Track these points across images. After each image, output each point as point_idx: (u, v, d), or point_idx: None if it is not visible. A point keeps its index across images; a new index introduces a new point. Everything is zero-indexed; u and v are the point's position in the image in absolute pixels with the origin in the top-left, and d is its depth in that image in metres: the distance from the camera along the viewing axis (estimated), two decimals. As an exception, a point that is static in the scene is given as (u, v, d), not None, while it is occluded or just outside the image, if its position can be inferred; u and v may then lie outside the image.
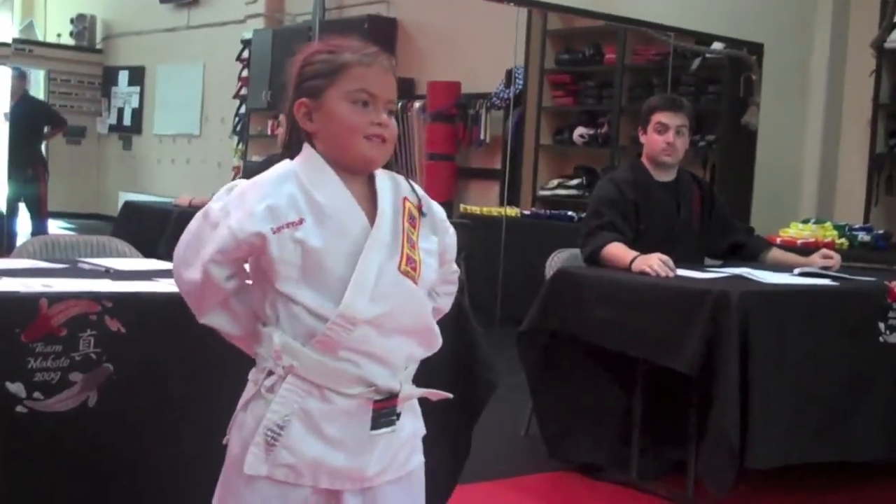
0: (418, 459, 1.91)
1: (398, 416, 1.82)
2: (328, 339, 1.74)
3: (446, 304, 2.01)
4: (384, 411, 1.80)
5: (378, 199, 1.81)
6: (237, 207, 1.76)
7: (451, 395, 1.95)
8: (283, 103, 1.88)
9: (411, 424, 1.88)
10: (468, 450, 2.97)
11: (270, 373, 1.78)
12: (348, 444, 1.78)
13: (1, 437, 2.17)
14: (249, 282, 1.84)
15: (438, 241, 1.89)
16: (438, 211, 1.92)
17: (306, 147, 1.82)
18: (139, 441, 2.33)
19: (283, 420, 1.75)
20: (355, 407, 1.77)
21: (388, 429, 1.80)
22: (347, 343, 1.75)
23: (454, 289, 2.02)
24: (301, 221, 1.74)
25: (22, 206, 8.48)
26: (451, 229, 1.95)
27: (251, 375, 1.84)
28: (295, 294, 1.74)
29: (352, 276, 1.74)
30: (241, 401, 1.83)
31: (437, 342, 1.90)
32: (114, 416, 2.29)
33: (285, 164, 1.82)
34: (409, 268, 1.80)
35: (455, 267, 2.00)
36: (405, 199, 1.85)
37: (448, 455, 2.85)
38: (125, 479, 2.33)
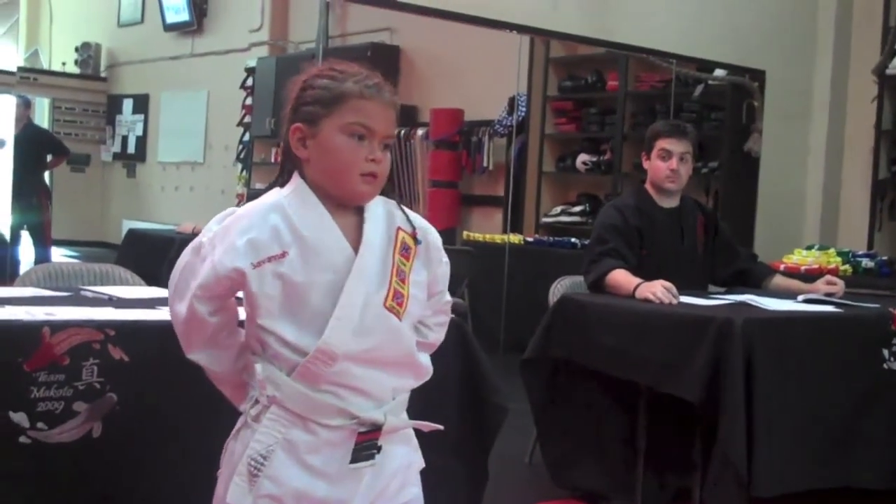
0: (413, 492, 1.88)
1: (378, 449, 1.79)
2: (308, 371, 1.72)
3: (439, 336, 1.97)
4: (365, 444, 1.77)
5: (364, 231, 1.78)
6: (221, 241, 1.75)
7: (441, 427, 1.92)
8: (280, 124, 1.85)
9: (404, 455, 1.86)
10: (486, 477, 2.95)
11: (257, 402, 1.77)
12: (332, 476, 1.75)
13: (4, 468, 2.16)
14: (242, 317, 1.83)
15: (430, 272, 1.86)
16: (434, 239, 1.89)
17: (295, 176, 1.80)
18: (142, 471, 2.31)
19: (266, 450, 1.74)
20: (339, 438, 1.76)
21: (367, 462, 1.78)
22: (328, 377, 1.73)
23: (447, 319, 1.99)
24: (284, 255, 1.72)
25: (25, 234, 8.48)
26: (445, 258, 1.91)
27: (243, 406, 1.83)
28: (275, 328, 1.73)
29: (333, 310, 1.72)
30: (234, 430, 1.83)
31: (425, 372, 1.88)
32: (118, 447, 2.27)
33: (273, 195, 1.80)
34: (395, 303, 1.77)
35: (447, 297, 1.97)
36: (399, 228, 1.82)
37: (466, 483, 2.84)
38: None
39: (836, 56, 7.41)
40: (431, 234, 1.89)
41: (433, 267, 1.88)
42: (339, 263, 1.74)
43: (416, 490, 1.89)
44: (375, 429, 1.78)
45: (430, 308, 1.91)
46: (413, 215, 1.87)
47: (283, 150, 1.85)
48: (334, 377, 1.73)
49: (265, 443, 1.75)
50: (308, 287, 1.72)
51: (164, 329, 2.34)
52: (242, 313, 1.84)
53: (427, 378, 1.90)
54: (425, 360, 1.89)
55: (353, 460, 1.76)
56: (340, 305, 1.72)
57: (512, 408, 3.02)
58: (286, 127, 1.81)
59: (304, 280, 1.72)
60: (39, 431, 2.18)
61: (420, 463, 1.91)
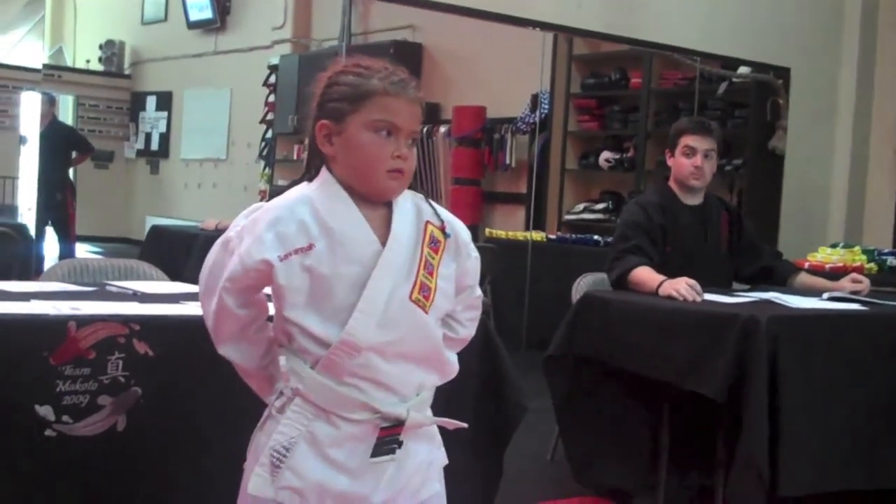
0: (434, 488, 1.88)
1: (400, 444, 1.79)
2: (332, 363, 1.73)
3: (469, 332, 1.97)
4: (386, 439, 1.77)
5: (392, 224, 1.78)
6: (249, 234, 1.76)
7: (465, 425, 1.91)
8: (306, 121, 1.85)
9: (426, 452, 1.86)
10: (500, 474, 2.95)
11: (282, 394, 1.78)
12: (354, 470, 1.76)
13: (30, 461, 2.17)
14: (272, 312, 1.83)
15: (458, 265, 1.86)
16: (463, 234, 1.88)
17: (324, 171, 1.81)
18: (166, 465, 2.33)
19: (289, 442, 1.75)
20: (361, 433, 1.76)
21: (387, 457, 1.78)
22: (351, 369, 1.73)
23: (478, 314, 1.98)
24: (311, 247, 1.72)
25: (50, 230, 8.54)
26: (475, 253, 1.91)
27: (270, 398, 1.84)
28: (300, 320, 1.74)
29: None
30: (260, 422, 1.83)
31: (451, 370, 1.88)
32: (142, 440, 2.28)
33: (300, 189, 1.81)
34: (421, 296, 1.77)
35: (478, 292, 1.96)
36: (428, 222, 1.82)
37: (480, 479, 2.84)
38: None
39: (862, 52, 7.35)
40: (460, 229, 1.88)
41: (462, 260, 1.87)
42: (366, 257, 1.74)
43: (437, 486, 1.89)
44: (398, 424, 1.78)
45: (460, 303, 1.91)
46: (441, 209, 1.87)
47: (309, 147, 1.85)
48: (357, 370, 1.74)
49: (288, 435, 1.75)
50: (334, 279, 1.72)
51: (189, 324, 2.37)
52: (272, 308, 1.84)
53: (453, 375, 1.89)
54: (452, 356, 1.88)
55: (374, 454, 1.76)
56: (365, 297, 1.72)
57: (534, 405, 3.02)
58: (312, 123, 1.81)
59: (330, 272, 1.72)
60: (64, 425, 2.19)
61: (443, 460, 1.91)
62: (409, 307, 1.76)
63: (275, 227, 1.73)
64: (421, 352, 1.80)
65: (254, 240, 1.74)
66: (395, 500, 1.81)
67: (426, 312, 1.78)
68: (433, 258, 1.80)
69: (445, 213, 1.87)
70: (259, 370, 1.87)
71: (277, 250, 1.72)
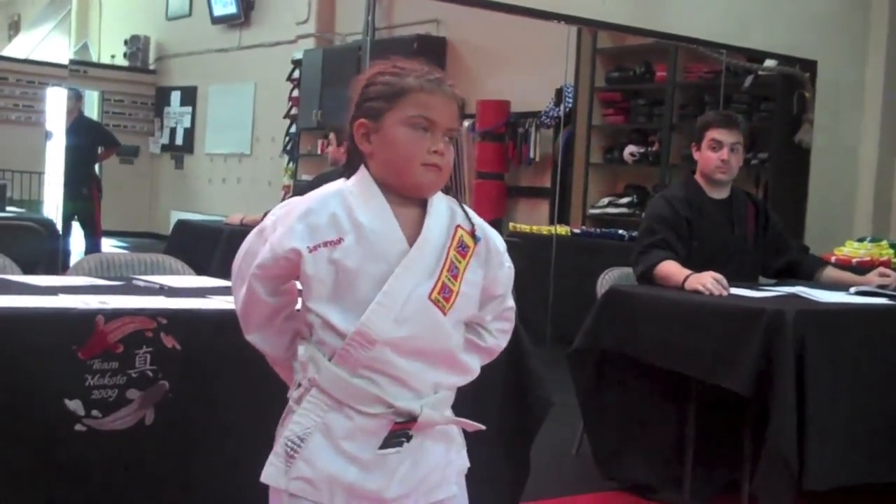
0: (451, 491, 1.87)
1: (409, 438, 1.79)
2: (347, 354, 1.74)
3: (498, 342, 1.96)
4: (397, 433, 1.78)
5: (425, 225, 1.79)
6: (282, 223, 1.78)
7: (483, 427, 1.90)
8: (345, 121, 1.87)
9: (443, 452, 1.85)
10: (528, 469, 2.95)
11: (299, 385, 1.80)
12: (365, 463, 1.76)
13: (61, 456, 2.18)
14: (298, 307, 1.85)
15: (487, 273, 1.86)
16: (496, 242, 1.88)
17: (361, 168, 1.83)
18: (194, 458, 2.34)
19: (304, 432, 1.76)
20: (375, 426, 1.76)
21: (393, 449, 1.78)
22: (366, 361, 1.74)
23: (509, 326, 1.97)
24: (340, 241, 1.74)
25: (76, 225, 8.59)
26: (508, 263, 1.91)
27: (290, 391, 1.86)
28: (324, 312, 1.75)
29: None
30: (282, 416, 1.85)
31: (469, 373, 1.88)
32: (170, 433, 2.29)
33: (336, 184, 1.83)
34: (441, 297, 1.77)
35: (510, 303, 1.95)
36: (458, 226, 1.83)
37: (507, 476, 2.84)
38: (183, 498, 2.33)
39: (890, 44, 7.29)
40: (494, 237, 1.89)
41: (493, 269, 1.87)
42: (392, 255, 1.75)
43: (454, 489, 1.88)
44: (411, 420, 1.78)
45: (489, 312, 1.91)
46: (475, 216, 1.87)
47: (348, 147, 1.88)
48: (371, 363, 1.75)
49: (304, 425, 1.77)
50: (359, 274, 1.74)
51: (216, 317, 2.38)
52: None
53: (472, 378, 1.89)
54: (470, 360, 1.87)
55: (382, 446, 1.77)
56: (384, 292, 1.73)
57: (559, 400, 3.02)
58: (350, 123, 1.84)
59: (356, 267, 1.74)
60: (94, 419, 2.20)
61: (462, 464, 1.91)
62: (427, 306, 1.76)
63: (306, 218, 1.76)
64: (435, 351, 1.80)
65: (286, 229, 1.76)
66: (408, 498, 1.81)
67: (444, 314, 1.78)
68: (459, 262, 1.81)
69: (479, 220, 1.88)
70: (286, 360, 1.89)
71: (307, 241, 1.74)
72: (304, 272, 1.75)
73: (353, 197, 1.79)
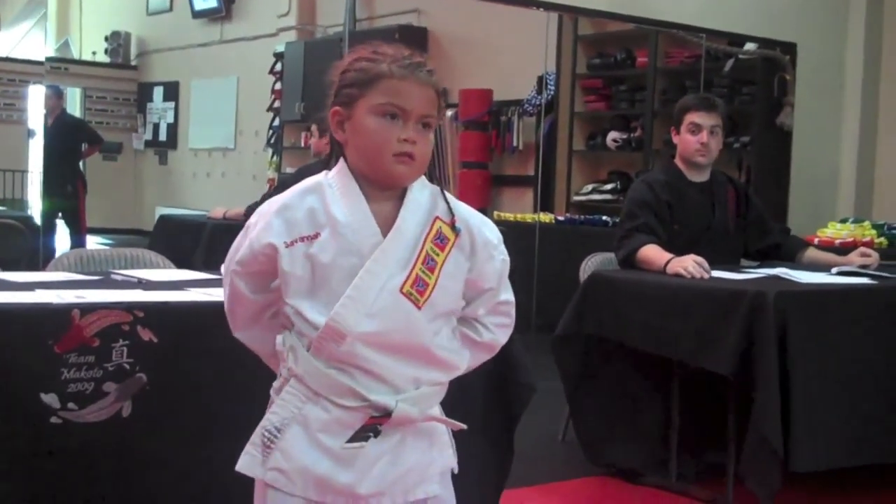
0: (432, 490, 1.82)
1: (376, 433, 1.75)
2: (321, 347, 1.72)
3: (495, 337, 1.90)
4: (367, 427, 1.74)
5: (399, 217, 1.75)
6: (261, 219, 1.76)
7: (464, 426, 1.85)
8: (325, 110, 1.83)
9: (424, 451, 1.80)
10: (511, 454, 2.94)
11: (281, 375, 1.79)
12: (340, 457, 1.73)
13: (36, 448, 2.18)
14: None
15: (474, 266, 1.80)
16: (485, 233, 1.82)
17: (341, 160, 1.80)
18: (172, 450, 2.33)
19: (282, 423, 1.74)
20: (351, 419, 1.73)
21: (358, 444, 1.74)
22: (338, 355, 1.72)
23: (506, 321, 1.91)
24: (317, 235, 1.72)
25: (61, 223, 8.56)
26: (500, 256, 1.84)
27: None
28: (298, 305, 1.73)
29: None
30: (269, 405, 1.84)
31: (452, 368, 1.82)
32: (147, 425, 2.29)
33: (317, 177, 1.80)
34: (414, 290, 1.73)
35: (505, 297, 1.88)
36: (437, 217, 1.78)
37: (491, 459, 2.84)
38: (159, 489, 2.33)
39: (869, 25, 7.31)
40: (483, 228, 1.83)
41: (480, 261, 1.81)
42: (366, 248, 1.72)
43: (436, 489, 1.83)
44: (386, 415, 1.74)
45: (481, 306, 1.86)
46: (461, 206, 1.82)
47: (330, 138, 1.84)
48: (345, 357, 1.72)
49: (281, 415, 1.75)
50: (332, 268, 1.71)
51: (193, 310, 2.37)
52: None
53: (456, 374, 1.84)
54: (449, 355, 1.81)
55: (350, 439, 1.73)
56: (354, 286, 1.70)
57: (544, 386, 3.02)
58: (328, 111, 1.81)
59: (329, 261, 1.71)
60: (70, 412, 2.20)
61: (446, 463, 1.85)
62: (399, 299, 1.72)
63: (284, 213, 1.74)
64: (411, 346, 1.75)
65: (264, 225, 1.75)
66: (383, 495, 1.77)
67: (419, 307, 1.74)
68: (437, 254, 1.76)
69: (466, 211, 1.82)
70: (275, 356, 1.86)
71: (284, 236, 1.72)
72: (280, 268, 1.73)
73: (330, 190, 1.76)
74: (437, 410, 1.83)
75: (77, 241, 8.50)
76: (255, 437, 1.76)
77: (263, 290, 1.81)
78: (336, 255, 1.71)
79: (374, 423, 1.74)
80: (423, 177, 1.81)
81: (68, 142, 8.62)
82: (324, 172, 1.81)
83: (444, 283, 1.76)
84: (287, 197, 1.77)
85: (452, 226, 1.78)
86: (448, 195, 1.82)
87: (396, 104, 1.73)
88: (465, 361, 1.85)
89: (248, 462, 1.77)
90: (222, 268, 1.87)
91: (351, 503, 1.75)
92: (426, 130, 1.76)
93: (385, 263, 1.72)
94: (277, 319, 1.84)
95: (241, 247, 1.79)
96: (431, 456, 1.82)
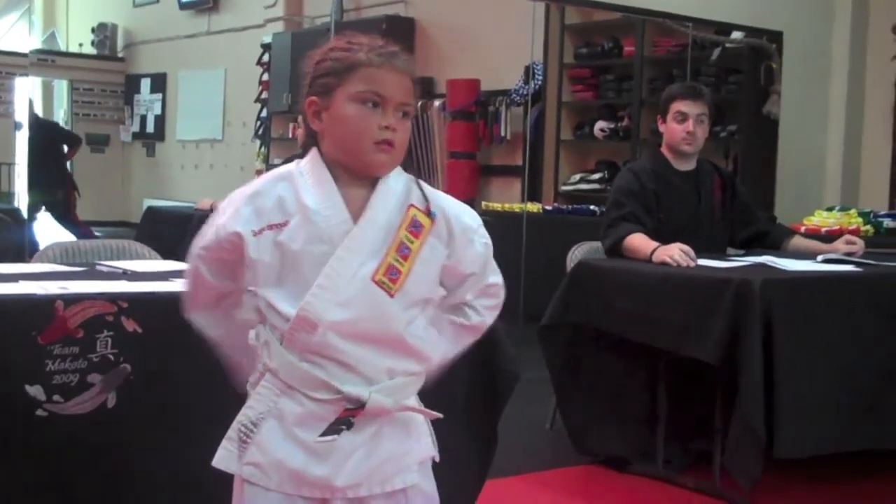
0: (411, 480, 1.80)
1: (349, 426, 1.73)
2: (292, 339, 1.71)
3: (484, 319, 1.90)
4: (340, 420, 1.72)
5: (369, 204, 1.74)
6: (231, 206, 1.75)
7: (440, 416, 1.84)
8: (300, 100, 1.82)
9: (401, 441, 1.79)
10: (495, 443, 2.94)
11: (257, 370, 1.78)
12: (315, 450, 1.72)
13: (22, 441, 2.18)
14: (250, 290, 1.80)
15: (453, 252, 1.79)
16: (462, 219, 1.81)
17: (313, 149, 1.78)
18: (158, 441, 2.33)
19: (257, 417, 1.73)
20: (325, 412, 1.72)
21: (330, 437, 1.72)
22: (312, 346, 1.70)
23: (495, 303, 1.91)
24: (286, 223, 1.70)
25: (47, 216, 8.57)
26: (482, 240, 1.83)
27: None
28: (270, 296, 1.72)
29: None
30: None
31: (424, 357, 1.80)
32: (132, 416, 2.29)
33: (288, 166, 1.79)
34: (387, 278, 1.71)
35: (491, 280, 1.88)
36: (411, 205, 1.76)
37: (475, 449, 2.84)
38: (145, 480, 2.33)
39: (855, 15, 7.32)
40: (460, 214, 1.81)
41: (459, 247, 1.80)
42: (336, 236, 1.71)
43: (414, 478, 1.82)
44: (360, 406, 1.73)
45: (468, 291, 1.85)
46: (435, 193, 1.81)
47: (304, 125, 1.83)
48: (317, 348, 1.71)
49: (257, 410, 1.74)
50: (302, 256, 1.70)
51: (177, 300, 2.35)
52: None
53: (429, 363, 1.82)
54: (423, 344, 1.79)
55: (324, 433, 1.72)
56: (325, 274, 1.69)
57: (531, 376, 3.02)
58: (303, 101, 1.80)
59: (299, 249, 1.70)
60: (55, 404, 2.19)
61: (424, 452, 1.84)
62: (370, 287, 1.71)
63: (253, 201, 1.73)
64: (384, 335, 1.74)
65: (232, 213, 1.74)
66: (360, 486, 1.75)
67: (391, 296, 1.72)
68: (412, 242, 1.74)
69: (441, 199, 1.81)
70: (232, 347, 1.86)
71: (252, 224, 1.71)
72: (248, 256, 1.71)
73: (301, 178, 1.75)
74: (413, 401, 1.82)
75: (78, 234, 8.48)
76: (232, 431, 1.76)
77: (225, 277, 1.80)
78: (306, 243, 1.70)
79: (348, 416, 1.73)
80: (399, 167, 1.80)
81: (48, 147, 8.65)
82: (295, 162, 1.80)
83: (419, 270, 1.75)
84: (258, 184, 1.76)
85: (428, 212, 1.77)
86: (423, 184, 1.80)
87: (376, 91, 1.73)
88: (438, 352, 1.84)
89: (224, 457, 1.76)
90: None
91: (328, 495, 1.74)
92: (405, 119, 1.76)
93: (355, 251, 1.71)
94: (238, 309, 1.83)
95: (208, 231, 1.79)
96: (409, 445, 1.81)
